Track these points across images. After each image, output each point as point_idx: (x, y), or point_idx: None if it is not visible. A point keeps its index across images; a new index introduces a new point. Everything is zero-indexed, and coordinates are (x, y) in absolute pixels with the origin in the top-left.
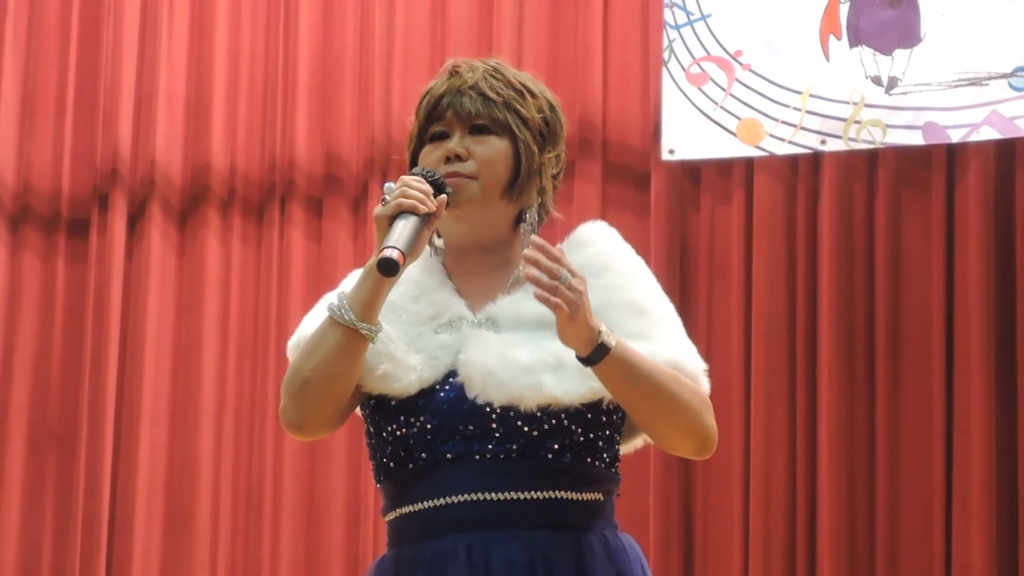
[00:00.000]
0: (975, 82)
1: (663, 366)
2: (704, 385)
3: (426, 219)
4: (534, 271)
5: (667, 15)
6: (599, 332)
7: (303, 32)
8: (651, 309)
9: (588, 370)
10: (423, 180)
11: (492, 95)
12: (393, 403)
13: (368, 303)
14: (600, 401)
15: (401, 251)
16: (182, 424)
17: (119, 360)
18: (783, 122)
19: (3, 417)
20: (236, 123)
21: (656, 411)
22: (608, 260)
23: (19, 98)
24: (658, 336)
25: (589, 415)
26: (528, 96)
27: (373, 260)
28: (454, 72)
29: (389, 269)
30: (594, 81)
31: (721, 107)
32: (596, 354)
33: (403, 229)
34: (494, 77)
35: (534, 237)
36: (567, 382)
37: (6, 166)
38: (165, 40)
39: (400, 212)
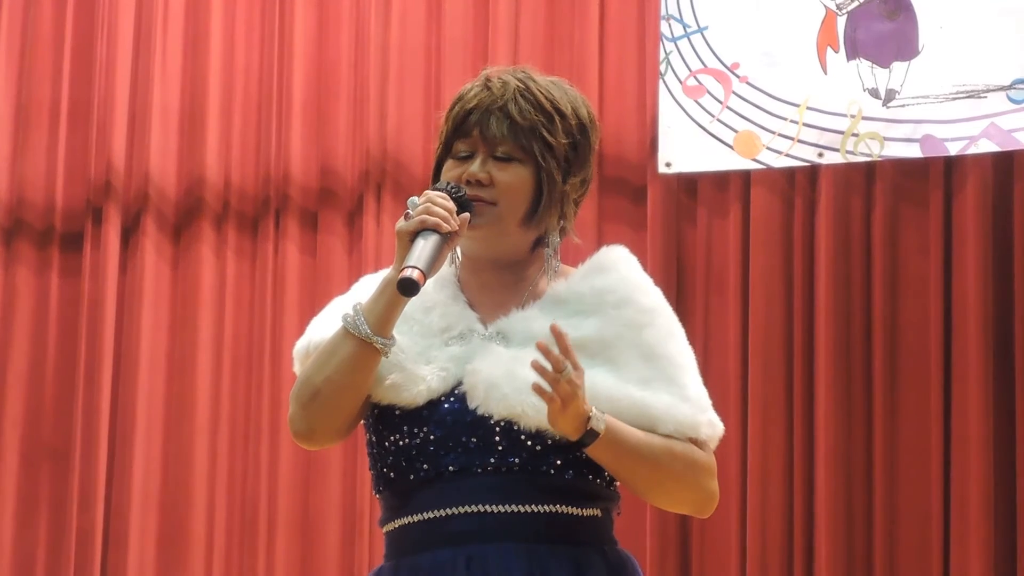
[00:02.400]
0: (973, 94)
1: (656, 441)
2: (715, 426)
3: (447, 237)
4: (542, 361)
5: (664, 27)
6: (588, 418)
7: (298, 44)
8: (664, 356)
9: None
10: (447, 196)
11: (519, 119)
12: (397, 413)
13: (384, 317)
14: None
15: (422, 271)
16: (176, 438)
17: (113, 374)
18: (780, 135)
19: None
20: (231, 136)
21: (646, 487)
22: (631, 291)
23: (12, 111)
24: (665, 391)
25: None
26: (557, 119)
27: (391, 274)
28: (486, 86)
29: (409, 289)
30: (590, 94)
31: (718, 120)
32: (586, 438)
33: (424, 248)
34: (524, 97)
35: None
36: None
37: None
38: (159, 52)
39: (423, 229)
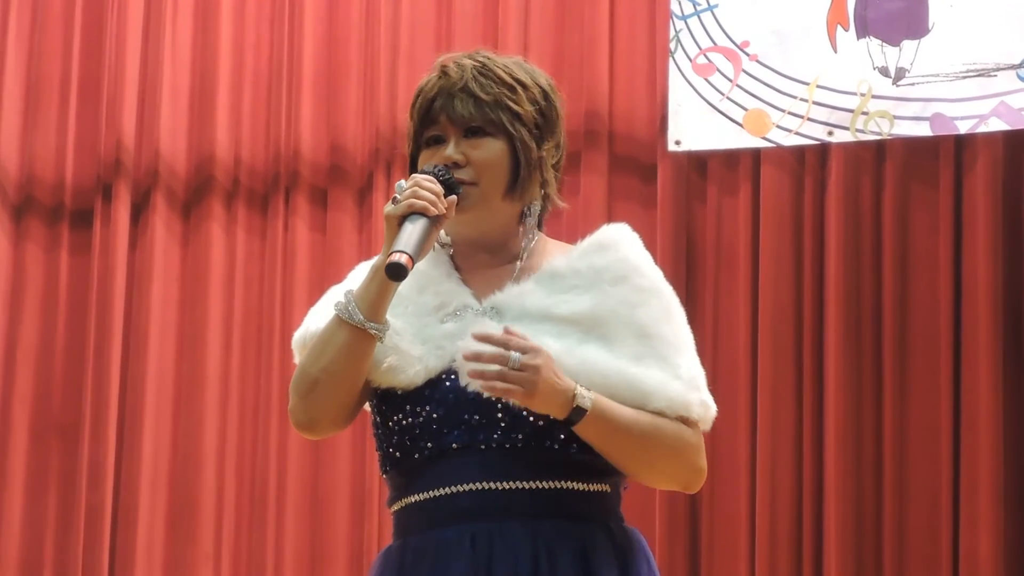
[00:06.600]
0: (983, 73)
1: (645, 419)
2: (708, 407)
3: (435, 220)
4: (475, 365)
5: (674, 5)
6: (573, 395)
7: (308, 22)
8: (657, 336)
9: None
10: (434, 180)
11: (482, 95)
12: (399, 393)
13: (376, 302)
14: None
15: (410, 255)
16: (186, 415)
17: (123, 351)
18: (790, 113)
19: (6, 408)
20: (241, 113)
21: (636, 465)
22: (628, 271)
23: (23, 88)
24: (657, 368)
25: None
26: (520, 89)
27: (380, 260)
28: (443, 73)
29: (397, 274)
30: (600, 72)
31: (728, 98)
32: (573, 415)
33: (412, 232)
34: (483, 75)
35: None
36: None
37: (10, 156)
38: (169, 30)
39: (411, 213)
